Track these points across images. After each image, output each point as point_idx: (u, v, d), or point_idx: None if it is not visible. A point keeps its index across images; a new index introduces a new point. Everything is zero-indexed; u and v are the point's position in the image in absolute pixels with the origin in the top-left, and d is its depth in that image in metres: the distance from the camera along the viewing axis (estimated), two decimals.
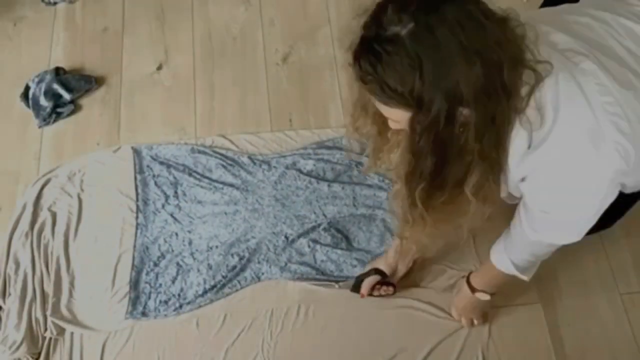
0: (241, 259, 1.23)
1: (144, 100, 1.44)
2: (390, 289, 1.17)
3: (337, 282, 1.20)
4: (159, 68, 1.48)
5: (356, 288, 1.17)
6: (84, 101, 1.44)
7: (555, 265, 1.26)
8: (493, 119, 0.71)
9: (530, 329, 1.20)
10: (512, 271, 0.99)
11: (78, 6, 1.58)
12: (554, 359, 1.17)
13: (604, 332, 1.20)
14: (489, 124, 0.71)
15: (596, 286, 1.24)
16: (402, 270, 1.17)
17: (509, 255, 0.98)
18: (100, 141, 1.38)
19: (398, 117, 0.74)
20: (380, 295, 1.17)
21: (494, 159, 0.75)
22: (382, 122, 0.87)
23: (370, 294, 1.16)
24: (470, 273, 1.12)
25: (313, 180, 1.31)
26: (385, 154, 0.96)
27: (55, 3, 1.58)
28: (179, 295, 1.19)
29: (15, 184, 1.32)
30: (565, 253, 1.26)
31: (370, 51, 0.69)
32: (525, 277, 1.01)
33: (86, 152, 1.36)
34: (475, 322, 1.17)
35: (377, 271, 1.15)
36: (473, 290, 1.09)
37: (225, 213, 1.28)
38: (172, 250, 1.24)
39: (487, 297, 1.09)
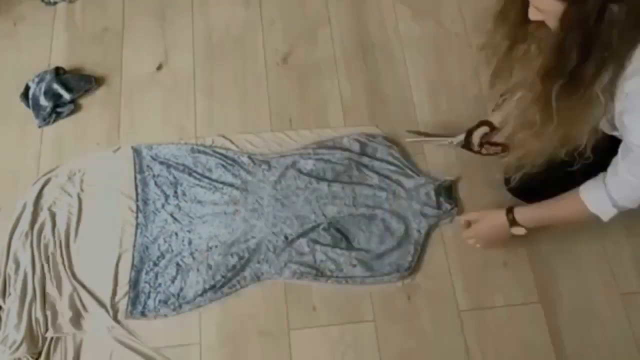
0: (241, 258, 1.23)
1: (144, 100, 1.44)
2: (499, 148, 1.17)
3: (447, 138, 1.24)
4: (159, 68, 1.48)
5: (467, 144, 1.20)
6: (84, 101, 1.44)
7: (556, 265, 1.26)
8: (638, 20, 0.74)
9: (530, 329, 1.20)
10: (608, 210, 0.96)
11: (78, 6, 1.58)
12: (554, 359, 1.17)
13: (604, 332, 1.20)
14: (634, 25, 0.75)
15: (596, 286, 1.24)
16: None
17: (611, 194, 0.94)
18: (100, 141, 1.38)
19: (549, 7, 0.77)
20: (489, 154, 1.18)
21: (623, 62, 0.79)
22: (518, 28, 0.92)
23: (479, 152, 1.19)
24: (512, 207, 1.10)
25: (313, 180, 1.31)
26: (507, 71, 0.99)
27: (55, 3, 1.58)
28: (178, 295, 1.20)
29: (15, 183, 1.33)
30: (565, 253, 1.27)
31: None
32: (605, 218, 0.99)
33: (86, 152, 1.36)
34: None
35: (485, 123, 1.18)
36: (512, 223, 1.09)
37: (225, 213, 1.28)
38: (172, 250, 1.24)
39: (522, 232, 1.09)
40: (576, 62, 0.78)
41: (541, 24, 0.85)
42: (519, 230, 1.10)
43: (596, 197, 0.97)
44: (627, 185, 0.91)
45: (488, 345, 1.18)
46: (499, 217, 1.12)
